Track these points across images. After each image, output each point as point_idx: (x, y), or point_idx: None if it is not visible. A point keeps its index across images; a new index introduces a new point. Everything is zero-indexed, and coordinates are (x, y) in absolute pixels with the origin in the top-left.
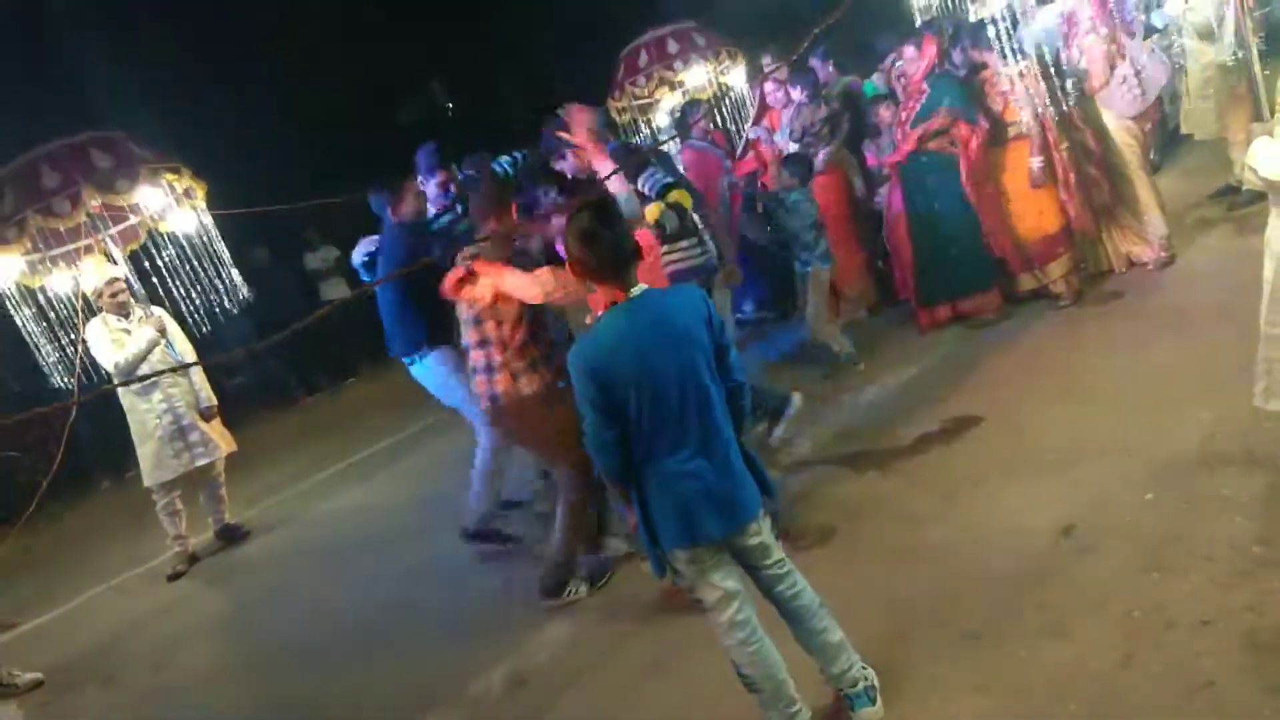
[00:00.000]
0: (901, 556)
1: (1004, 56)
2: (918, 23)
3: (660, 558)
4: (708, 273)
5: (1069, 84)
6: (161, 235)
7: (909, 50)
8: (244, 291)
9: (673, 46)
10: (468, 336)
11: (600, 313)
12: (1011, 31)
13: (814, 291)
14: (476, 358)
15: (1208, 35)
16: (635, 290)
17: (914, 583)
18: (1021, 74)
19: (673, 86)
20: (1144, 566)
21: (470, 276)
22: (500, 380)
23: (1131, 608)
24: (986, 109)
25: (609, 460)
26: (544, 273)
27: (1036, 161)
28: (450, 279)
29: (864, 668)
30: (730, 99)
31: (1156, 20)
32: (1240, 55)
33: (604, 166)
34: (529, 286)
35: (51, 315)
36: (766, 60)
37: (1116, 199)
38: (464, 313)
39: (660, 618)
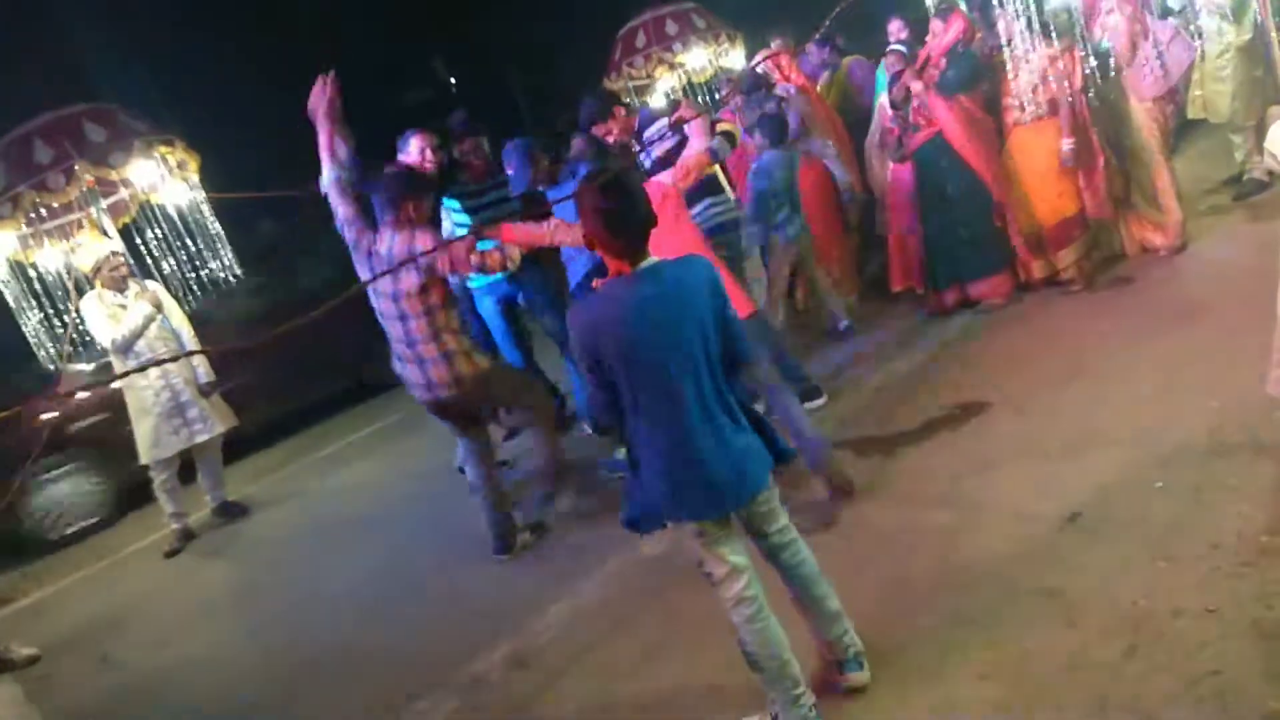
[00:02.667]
0: (906, 541)
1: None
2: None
3: (650, 517)
4: (737, 229)
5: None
6: (153, 208)
7: (935, 24)
8: (235, 266)
9: (671, 28)
10: (399, 330)
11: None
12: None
13: (771, 261)
14: (428, 350)
15: (1233, 13)
16: (644, 264)
17: (918, 568)
18: (1055, 56)
19: (671, 67)
20: (1151, 555)
21: (473, 248)
22: (460, 362)
23: (1138, 596)
24: (995, 88)
25: (602, 418)
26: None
27: (1068, 143)
28: (459, 251)
29: (854, 636)
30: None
31: (1173, 0)
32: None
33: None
34: (535, 230)
35: (40, 290)
36: (776, 43)
37: (1130, 184)
38: (386, 307)
39: (662, 600)
